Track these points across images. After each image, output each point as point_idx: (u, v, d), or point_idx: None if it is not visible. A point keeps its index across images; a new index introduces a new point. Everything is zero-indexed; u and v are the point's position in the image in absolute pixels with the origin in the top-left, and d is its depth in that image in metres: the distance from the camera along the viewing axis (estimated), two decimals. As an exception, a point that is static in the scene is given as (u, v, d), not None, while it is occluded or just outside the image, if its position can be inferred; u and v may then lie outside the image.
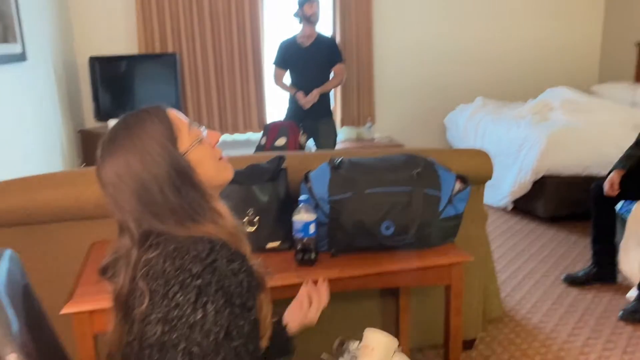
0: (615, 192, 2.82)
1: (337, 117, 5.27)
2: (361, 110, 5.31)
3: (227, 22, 4.84)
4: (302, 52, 4.13)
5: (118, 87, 4.42)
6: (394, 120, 5.52)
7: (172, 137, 0.99)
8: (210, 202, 1.01)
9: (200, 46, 4.79)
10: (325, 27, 5.15)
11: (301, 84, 4.17)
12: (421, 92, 5.52)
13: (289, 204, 1.73)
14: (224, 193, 1.72)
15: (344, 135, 5.44)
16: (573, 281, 3.02)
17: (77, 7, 4.56)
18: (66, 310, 1.39)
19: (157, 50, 4.67)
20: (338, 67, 4.18)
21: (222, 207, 1.04)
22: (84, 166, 4.01)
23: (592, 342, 2.46)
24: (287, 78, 4.28)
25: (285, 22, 5.04)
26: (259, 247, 1.70)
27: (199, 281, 0.89)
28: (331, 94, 5.26)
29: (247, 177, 1.72)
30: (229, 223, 1.02)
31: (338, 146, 5.05)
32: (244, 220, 1.68)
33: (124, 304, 0.96)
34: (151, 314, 0.89)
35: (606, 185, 2.84)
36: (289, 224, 1.65)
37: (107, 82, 4.37)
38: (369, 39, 5.16)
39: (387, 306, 2.19)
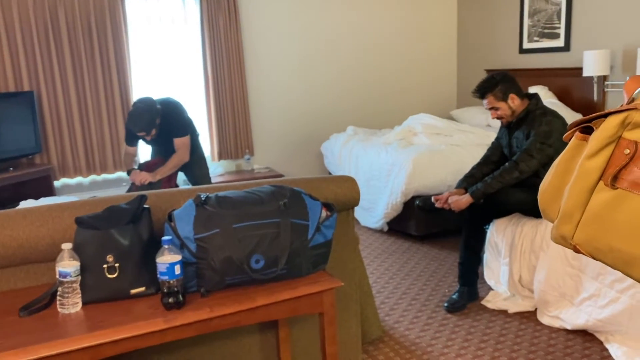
0: (441, 204, 3.10)
1: (214, 150, 5.23)
2: (239, 142, 5.31)
3: (90, 59, 4.63)
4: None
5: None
6: (273, 151, 5.58)
7: None
8: None
9: (61, 85, 4.52)
10: (196, 64, 5.12)
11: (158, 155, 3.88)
12: (297, 122, 5.64)
13: (154, 246, 1.66)
14: (78, 241, 1.61)
15: (223, 168, 5.40)
16: (454, 308, 3.01)
17: None
18: None
19: (11, 88, 4.33)
20: (176, 141, 3.72)
21: None
22: None
23: (464, 351, 2.61)
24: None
25: (152, 56, 4.92)
26: (122, 295, 1.61)
27: None
28: (206, 129, 5.21)
29: (105, 220, 1.62)
30: None
31: (217, 179, 4.98)
32: (104, 267, 1.58)
33: None
34: None
35: (435, 199, 3.15)
36: (155, 267, 1.58)
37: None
38: (241, 72, 5.20)
39: (267, 339, 2.17)
